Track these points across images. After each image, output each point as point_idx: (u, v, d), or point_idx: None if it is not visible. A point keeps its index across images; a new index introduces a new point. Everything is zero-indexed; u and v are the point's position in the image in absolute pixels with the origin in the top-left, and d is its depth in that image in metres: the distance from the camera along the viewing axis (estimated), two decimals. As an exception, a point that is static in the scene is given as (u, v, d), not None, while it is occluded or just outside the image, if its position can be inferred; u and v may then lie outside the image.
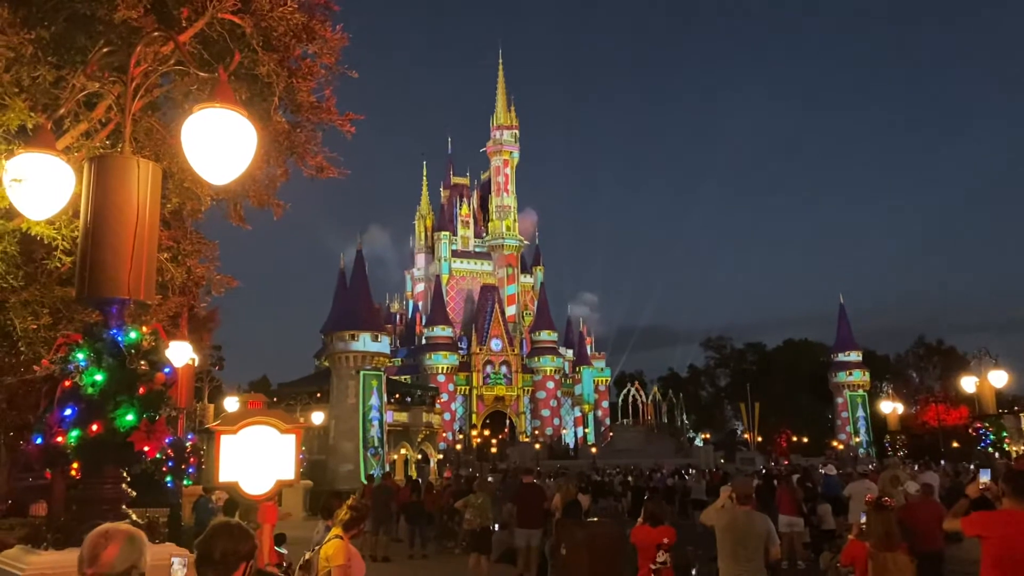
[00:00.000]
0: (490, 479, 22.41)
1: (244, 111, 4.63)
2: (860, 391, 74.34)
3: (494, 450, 67.17)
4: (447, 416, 71.64)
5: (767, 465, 50.38)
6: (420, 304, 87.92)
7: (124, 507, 4.90)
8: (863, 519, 7.30)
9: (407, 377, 71.24)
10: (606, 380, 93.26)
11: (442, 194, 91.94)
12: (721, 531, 7.34)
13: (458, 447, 71.36)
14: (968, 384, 25.65)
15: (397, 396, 51.30)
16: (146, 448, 4.80)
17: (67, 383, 4.78)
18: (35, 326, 8.99)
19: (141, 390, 4.86)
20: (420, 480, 25.01)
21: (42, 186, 5.19)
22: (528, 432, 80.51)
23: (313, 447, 40.69)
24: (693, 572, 10.13)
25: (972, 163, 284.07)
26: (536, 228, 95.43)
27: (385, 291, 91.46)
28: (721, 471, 36.04)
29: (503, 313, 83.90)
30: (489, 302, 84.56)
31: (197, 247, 10.77)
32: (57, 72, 7.43)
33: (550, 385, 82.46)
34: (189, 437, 19.63)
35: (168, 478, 14.24)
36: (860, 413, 73.75)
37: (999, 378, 23.50)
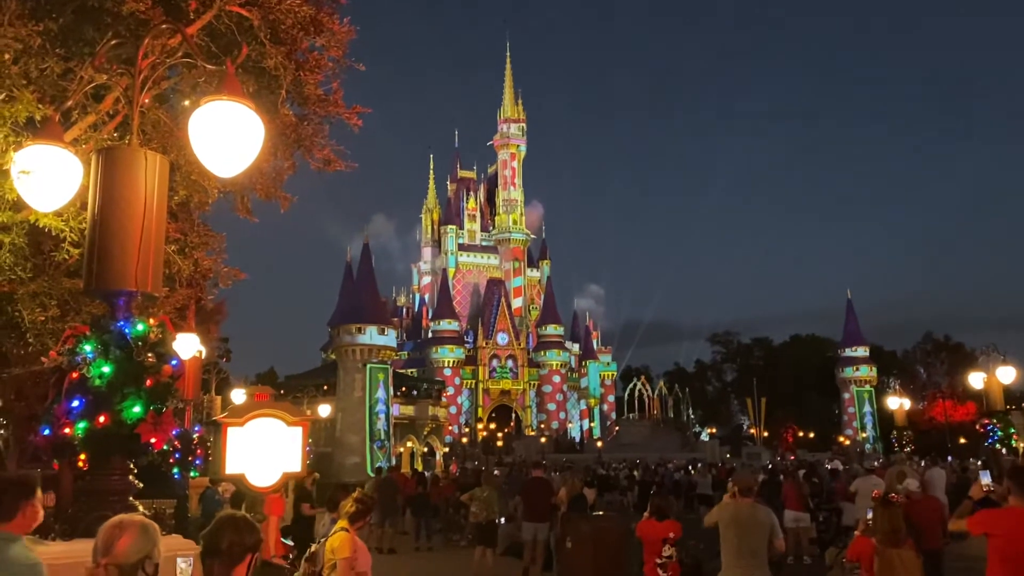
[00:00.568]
0: (496, 472, 22.46)
1: (251, 104, 4.62)
2: (867, 387, 74.11)
3: (500, 444, 67.24)
4: (453, 410, 71.71)
5: (773, 460, 50.33)
6: (427, 298, 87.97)
7: (131, 498, 4.92)
8: (869, 515, 7.28)
9: (413, 370, 71.34)
10: (612, 374, 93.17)
11: (449, 188, 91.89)
12: (725, 526, 7.31)
13: (464, 440, 71.44)
14: (976, 380, 25.55)
15: (403, 389, 51.36)
16: (153, 440, 4.82)
17: (75, 375, 4.79)
18: (43, 318, 9.02)
19: (148, 382, 4.87)
20: (426, 473, 25.09)
21: (50, 178, 5.20)
22: (534, 426, 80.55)
23: (319, 440, 40.79)
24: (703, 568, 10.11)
25: (984, 158, 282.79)
26: (542, 221, 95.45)
27: (392, 284, 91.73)
28: (727, 466, 36.02)
29: (509, 307, 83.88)
30: (495, 296, 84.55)
31: (204, 239, 10.80)
32: (65, 64, 7.44)
33: (556, 379, 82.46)
34: (196, 429, 19.68)
35: (175, 470, 14.28)
36: (867, 409, 73.55)
37: (1007, 374, 23.42)
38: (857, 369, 73.88)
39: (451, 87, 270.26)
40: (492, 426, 73.89)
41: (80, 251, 7.26)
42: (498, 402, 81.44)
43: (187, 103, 7.96)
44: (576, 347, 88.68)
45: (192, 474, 17.35)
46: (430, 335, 79.67)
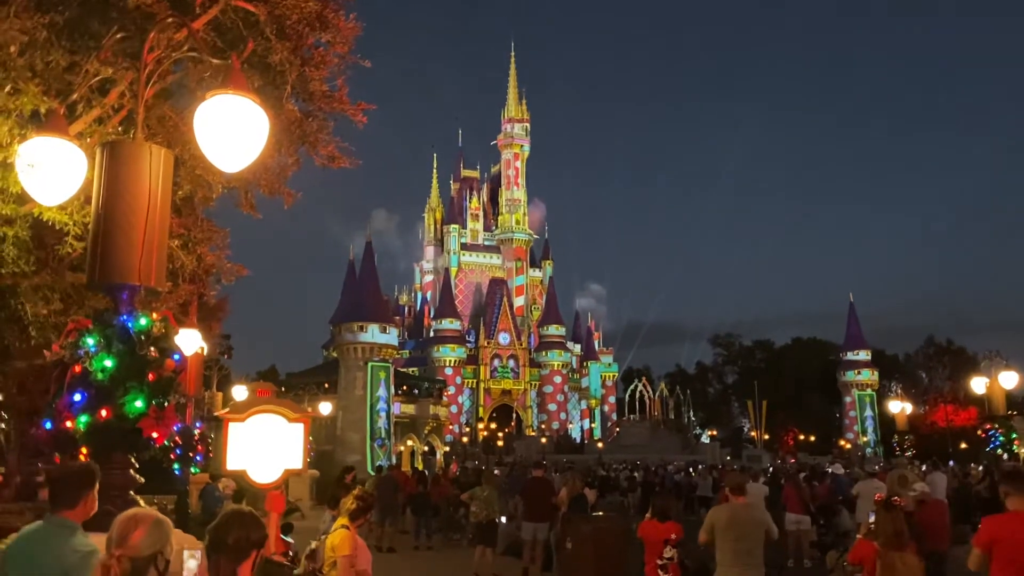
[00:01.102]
0: (496, 472, 22.43)
1: (257, 98, 4.61)
2: (868, 390, 73.99)
3: (500, 443, 67.25)
4: (454, 409, 71.76)
5: (774, 463, 50.30)
6: (428, 296, 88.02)
7: (132, 493, 4.90)
8: (872, 518, 7.25)
9: (415, 369, 71.38)
10: (613, 375, 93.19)
11: (452, 187, 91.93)
12: (723, 529, 7.29)
13: (464, 440, 71.43)
14: (978, 385, 25.47)
15: (404, 388, 51.38)
16: (155, 434, 4.80)
17: (77, 368, 4.77)
18: (46, 311, 9.02)
19: (151, 376, 4.85)
20: (426, 472, 25.04)
21: (54, 171, 5.19)
22: (535, 426, 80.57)
23: (320, 437, 40.80)
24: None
25: (985, 162, 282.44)
26: (545, 221, 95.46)
27: (393, 282, 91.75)
28: (728, 468, 35.99)
29: (511, 307, 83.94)
30: (498, 295, 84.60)
31: (208, 235, 10.79)
32: (71, 57, 7.43)
33: (557, 379, 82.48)
34: (197, 425, 19.67)
35: (176, 465, 14.27)
36: (868, 412, 73.43)
37: (1009, 379, 23.34)
38: (859, 373, 73.75)
39: (455, 86, 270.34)
40: (493, 426, 73.87)
41: (83, 245, 7.26)
42: (499, 402, 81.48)
43: (193, 97, 7.95)
44: (578, 347, 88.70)
45: (193, 470, 17.35)
46: (432, 334, 79.72)
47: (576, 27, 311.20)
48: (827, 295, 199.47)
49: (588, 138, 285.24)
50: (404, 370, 62.14)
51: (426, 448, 52.76)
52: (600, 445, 72.87)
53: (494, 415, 79.39)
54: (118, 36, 6.45)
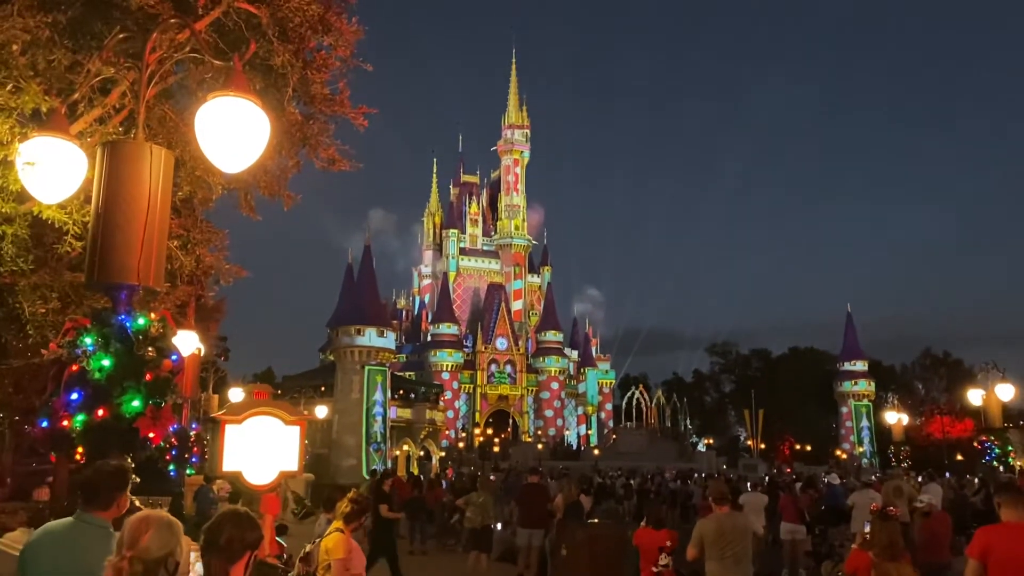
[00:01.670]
0: (492, 478, 22.43)
1: (258, 100, 4.62)
2: (865, 401, 74.03)
3: (496, 449, 67.16)
4: (450, 414, 71.67)
5: (770, 472, 50.23)
6: (427, 300, 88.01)
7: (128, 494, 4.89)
8: (867, 528, 7.26)
9: (411, 373, 71.31)
10: (610, 382, 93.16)
11: (452, 191, 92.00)
12: (712, 541, 7.32)
13: (460, 445, 71.35)
14: (974, 397, 25.50)
15: (401, 392, 51.32)
16: (151, 434, 4.80)
17: (74, 367, 4.78)
18: (44, 310, 9.01)
19: (148, 376, 4.86)
20: (422, 476, 24.99)
21: (54, 170, 5.19)
22: (531, 432, 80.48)
23: (316, 441, 40.73)
24: None
25: (984, 174, 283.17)
26: (544, 227, 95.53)
27: (391, 285, 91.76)
28: (724, 477, 35.94)
29: (509, 312, 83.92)
30: (496, 301, 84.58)
31: (207, 236, 10.80)
32: (73, 56, 7.44)
33: (554, 386, 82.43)
34: (193, 426, 19.66)
35: (171, 466, 14.27)
36: (864, 423, 73.44)
37: (1006, 391, 23.37)
38: (855, 383, 73.78)
39: (455, 90, 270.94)
40: (489, 431, 73.81)
41: (83, 244, 7.25)
42: (496, 407, 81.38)
43: (194, 98, 7.96)
44: (575, 354, 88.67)
45: (188, 471, 17.34)
46: (429, 338, 79.66)
47: (576, 33, 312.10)
48: (825, 306, 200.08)
49: (588, 145, 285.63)
50: (401, 374, 62.09)
51: (422, 453, 52.68)
52: (596, 452, 72.78)
53: (490, 420, 79.32)
54: (120, 36, 6.46)
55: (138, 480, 5.04)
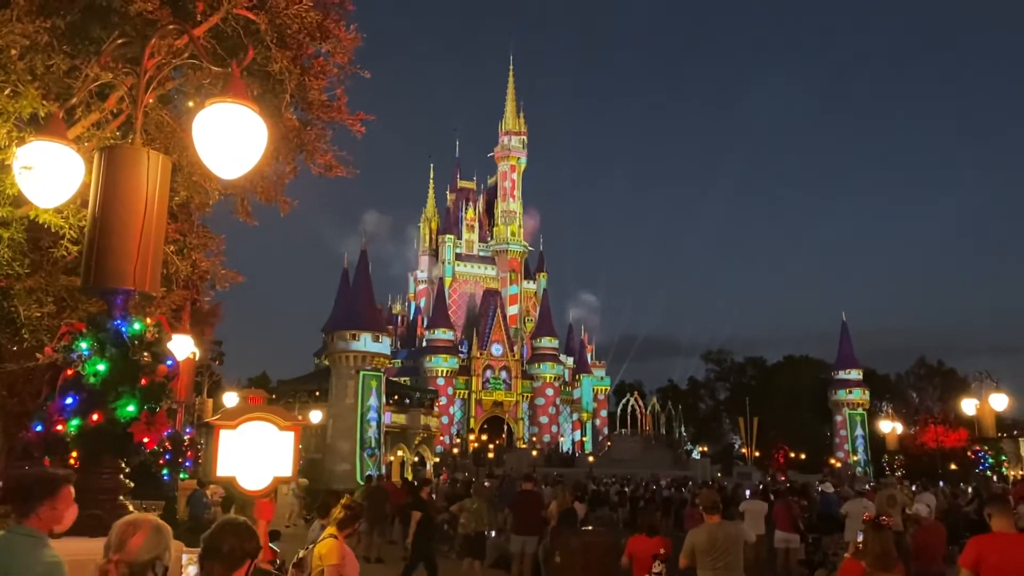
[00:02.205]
0: (486, 484, 22.38)
1: (256, 106, 4.63)
2: (859, 410, 74.06)
3: (491, 455, 67.08)
4: (445, 419, 71.54)
5: (764, 480, 50.25)
6: (422, 305, 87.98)
7: (121, 498, 4.89)
8: (860, 537, 7.27)
9: (406, 379, 71.16)
10: (606, 389, 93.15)
11: (448, 197, 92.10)
12: (704, 551, 7.34)
13: (455, 451, 71.25)
14: (968, 406, 25.53)
15: (396, 397, 51.23)
16: (145, 439, 4.80)
17: (69, 372, 4.78)
18: (39, 314, 9.00)
19: (143, 381, 4.86)
20: (416, 482, 24.89)
21: (52, 174, 5.20)
22: (526, 438, 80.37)
23: (310, 446, 40.63)
24: None
25: (980, 184, 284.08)
26: (540, 233, 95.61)
27: (386, 290, 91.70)
28: (718, 484, 35.94)
29: (504, 318, 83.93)
30: (491, 306, 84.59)
31: (203, 241, 10.81)
32: (71, 61, 7.46)
33: (549, 392, 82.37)
34: (187, 431, 19.64)
35: (165, 471, 14.24)
36: (859, 432, 73.47)
37: (1000, 401, 23.39)
38: (850, 392, 73.86)
39: (453, 96, 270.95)
40: (484, 437, 73.71)
41: (79, 248, 7.26)
42: (490, 413, 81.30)
43: (191, 104, 7.98)
44: (570, 360, 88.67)
45: (181, 476, 17.29)
46: (424, 344, 79.59)
47: (575, 36, 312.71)
48: (819, 315, 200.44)
49: (584, 150, 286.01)
50: (396, 379, 61.98)
51: (416, 458, 52.58)
52: (591, 459, 72.71)
53: (485, 426, 79.23)
54: (119, 41, 6.47)
55: (132, 484, 5.05)
